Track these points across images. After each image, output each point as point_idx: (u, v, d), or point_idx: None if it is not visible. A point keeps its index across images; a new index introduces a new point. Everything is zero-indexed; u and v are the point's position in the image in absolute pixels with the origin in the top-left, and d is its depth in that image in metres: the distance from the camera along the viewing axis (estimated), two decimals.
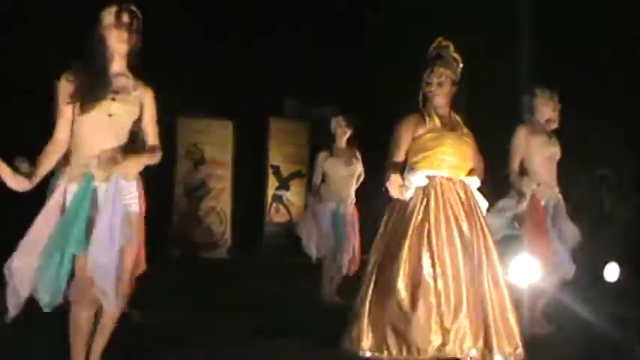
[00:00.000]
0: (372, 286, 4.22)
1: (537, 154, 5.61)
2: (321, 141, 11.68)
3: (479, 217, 4.32)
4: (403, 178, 4.19)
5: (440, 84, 4.41)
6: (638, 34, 9.28)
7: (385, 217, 4.39)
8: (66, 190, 3.60)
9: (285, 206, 11.55)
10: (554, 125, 5.73)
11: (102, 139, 3.62)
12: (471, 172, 4.48)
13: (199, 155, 10.84)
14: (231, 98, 10.40)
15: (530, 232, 5.48)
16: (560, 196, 5.75)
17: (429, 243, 4.13)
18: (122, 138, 3.74)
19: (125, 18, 3.71)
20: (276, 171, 11.49)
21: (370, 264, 4.33)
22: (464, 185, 4.38)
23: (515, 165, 5.59)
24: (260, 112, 11.14)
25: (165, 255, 10.13)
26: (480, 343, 4.04)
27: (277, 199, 11.49)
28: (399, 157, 4.39)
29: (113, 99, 3.65)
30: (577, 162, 10.81)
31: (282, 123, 11.65)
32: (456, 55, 4.50)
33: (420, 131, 4.37)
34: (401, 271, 4.09)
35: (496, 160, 5.40)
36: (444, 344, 3.96)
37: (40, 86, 4.26)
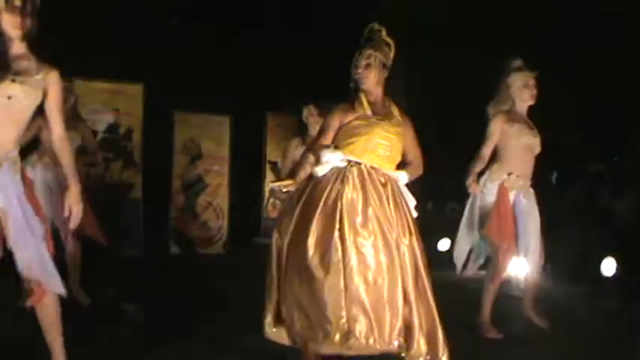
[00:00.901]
0: (279, 268, 4.11)
1: (514, 141, 5.34)
2: None
3: (405, 214, 4.09)
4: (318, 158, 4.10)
5: (367, 66, 4.20)
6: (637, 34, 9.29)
7: (295, 196, 4.16)
8: None
9: (283, 202, 11.54)
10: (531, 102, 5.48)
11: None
12: (399, 167, 4.29)
13: (196, 150, 10.81)
14: (229, 94, 10.39)
15: (494, 224, 5.28)
16: (532, 191, 5.49)
17: (341, 228, 3.88)
18: (21, 124, 3.56)
19: (17, 1, 3.48)
20: (274, 167, 11.47)
21: (275, 245, 4.19)
22: (389, 178, 4.13)
23: (486, 151, 5.37)
24: (257, 108, 11.13)
25: (164, 250, 10.13)
26: (394, 336, 3.86)
27: (274, 193, 11.47)
28: (322, 141, 4.20)
29: (13, 80, 3.44)
30: (573, 158, 10.87)
31: (280, 119, 11.62)
32: (388, 40, 4.30)
33: (349, 118, 4.16)
34: (310, 255, 3.87)
35: None
36: (350, 331, 3.77)
37: None
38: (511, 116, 5.41)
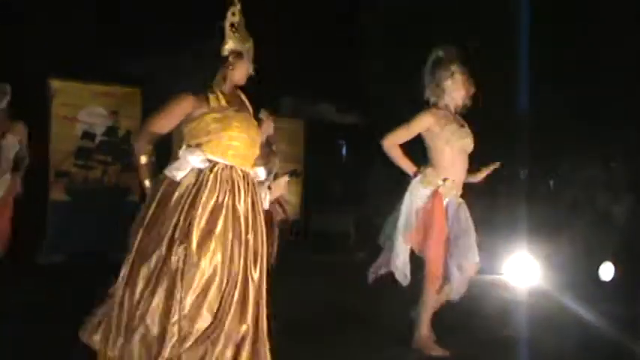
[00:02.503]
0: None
1: (447, 145, 4.88)
2: (316, 139, 11.75)
3: (258, 214, 3.82)
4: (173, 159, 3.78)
5: (239, 54, 3.95)
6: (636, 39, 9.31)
7: (148, 200, 3.79)
8: None
9: (281, 205, 11.52)
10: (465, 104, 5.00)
11: None
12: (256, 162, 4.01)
13: None
14: None
15: (421, 232, 4.85)
16: (462, 201, 5.03)
17: (189, 233, 3.55)
18: None
19: None
20: None
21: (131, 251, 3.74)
22: (247, 177, 3.83)
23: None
24: (255, 111, 11.14)
25: None
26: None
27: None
28: (157, 128, 3.94)
29: None
30: (570, 162, 10.89)
31: (277, 121, 11.60)
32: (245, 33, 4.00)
33: (202, 110, 3.80)
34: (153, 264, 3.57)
35: None
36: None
37: None
38: (440, 114, 4.96)
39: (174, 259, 3.53)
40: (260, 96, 11.21)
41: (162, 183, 3.76)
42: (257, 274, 3.70)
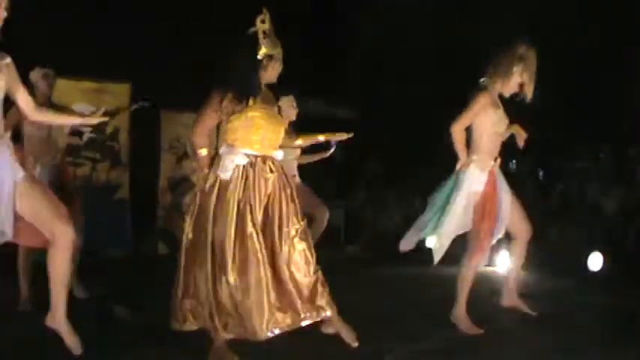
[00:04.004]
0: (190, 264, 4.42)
1: (493, 127, 5.20)
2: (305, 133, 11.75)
3: (290, 190, 4.47)
4: (218, 156, 4.42)
5: (271, 57, 4.47)
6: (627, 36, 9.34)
7: (199, 197, 4.48)
8: None
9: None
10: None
11: None
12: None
13: (182, 150, 10.79)
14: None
15: (483, 214, 5.17)
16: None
17: (253, 220, 4.24)
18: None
19: None
20: None
21: (187, 244, 4.46)
22: (273, 161, 4.46)
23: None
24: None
25: (152, 249, 10.10)
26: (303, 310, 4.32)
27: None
28: (208, 123, 4.56)
29: None
30: (559, 154, 10.93)
31: None
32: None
33: (240, 107, 4.38)
34: (229, 251, 4.21)
35: None
36: (276, 321, 4.22)
37: None
38: (494, 98, 5.22)
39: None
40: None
41: (215, 180, 4.38)
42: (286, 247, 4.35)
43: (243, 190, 4.29)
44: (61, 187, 5.94)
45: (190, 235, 4.45)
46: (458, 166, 5.24)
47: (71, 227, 3.96)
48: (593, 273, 8.07)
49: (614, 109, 10.35)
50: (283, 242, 4.34)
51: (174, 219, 10.66)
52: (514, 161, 11.02)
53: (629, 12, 9.69)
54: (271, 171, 4.39)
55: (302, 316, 4.33)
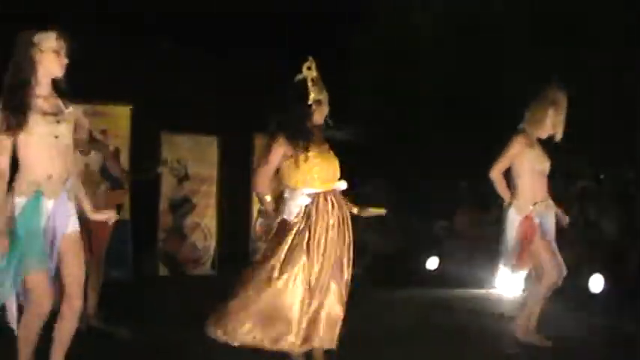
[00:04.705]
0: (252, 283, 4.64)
1: (532, 168, 5.48)
2: None
3: (347, 221, 4.73)
4: (283, 199, 4.72)
5: (319, 102, 4.76)
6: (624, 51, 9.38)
7: (272, 234, 4.78)
8: (14, 205, 3.73)
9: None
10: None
11: (52, 159, 3.80)
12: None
13: (183, 172, 10.81)
14: (217, 114, 10.42)
15: (530, 253, 5.41)
16: (555, 210, 5.64)
17: (308, 250, 4.53)
18: (69, 156, 3.92)
19: (61, 45, 3.85)
20: None
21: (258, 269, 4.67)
22: (334, 194, 4.73)
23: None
24: (245, 128, 11.14)
25: (152, 271, 10.09)
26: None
27: (262, 214, 11.44)
28: (268, 170, 4.74)
29: (57, 121, 3.82)
30: (559, 174, 10.93)
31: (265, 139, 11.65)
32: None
33: (294, 150, 4.65)
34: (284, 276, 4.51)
35: None
36: (306, 340, 4.51)
37: None
38: (530, 139, 5.50)
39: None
40: (250, 115, 11.28)
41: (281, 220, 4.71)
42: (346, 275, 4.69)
43: (306, 226, 4.58)
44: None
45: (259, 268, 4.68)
46: (504, 206, 5.52)
47: (82, 300, 3.99)
48: (594, 295, 8.05)
49: (616, 131, 10.36)
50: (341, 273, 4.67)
51: (175, 241, 10.67)
52: None
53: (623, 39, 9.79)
54: (332, 206, 4.66)
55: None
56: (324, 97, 4.79)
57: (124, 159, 9.97)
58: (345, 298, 4.65)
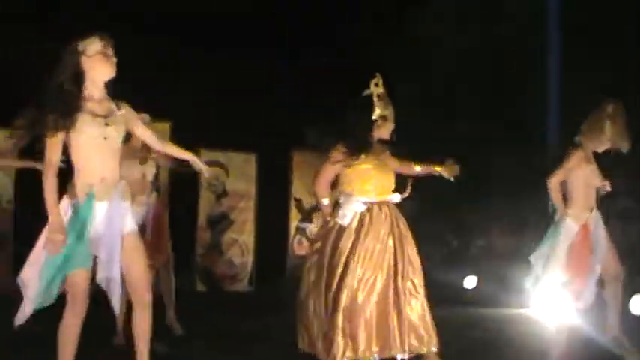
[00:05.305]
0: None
1: (588, 182, 5.52)
2: None
3: (402, 231, 4.94)
4: (338, 204, 4.93)
5: (385, 118, 4.99)
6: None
7: (321, 241, 5.01)
8: (68, 207, 3.83)
9: (308, 238, 11.57)
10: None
11: (105, 161, 3.93)
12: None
13: (221, 188, 10.89)
14: (254, 131, 10.47)
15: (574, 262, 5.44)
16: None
17: (363, 259, 4.72)
18: (118, 158, 4.03)
19: (111, 49, 4.01)
20: (299, 203, 11.51)
21: (310, 282, 4.96)
22: (389, 205, 4.98)
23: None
24: (283, 145, 11.19)
25: (190, 287, 10.15)
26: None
27: (300, 231, 11.49)
28: (327, 175, 5.05)
29: (106, 124, 3.92)
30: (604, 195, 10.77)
31: (305, 155, 11.69)
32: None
33: (354, 161, 4.91)
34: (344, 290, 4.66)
35: None
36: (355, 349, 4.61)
37: None
38: (587, 155, 5.54)
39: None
40: (288, 131, 11.31)
41: (334, 225, 4.93)
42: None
43: (358, 233, 4.79)
44: (156, 227, 6.32)
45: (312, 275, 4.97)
46: (556, 218, 5.54)
47: (150, 291, 4.08)
48: (636, 316, 7.92)
49: None
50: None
51: (213, 257, 10.73)
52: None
53: None
54: (386, 216, 4.89)
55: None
56: (389, 112, 5.01)
57: (164, 176, 10.06)
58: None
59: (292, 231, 11.44)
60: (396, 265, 4.78)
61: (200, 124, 9.79)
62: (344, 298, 4.62)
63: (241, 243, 10.96)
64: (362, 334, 4.61)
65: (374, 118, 4.98)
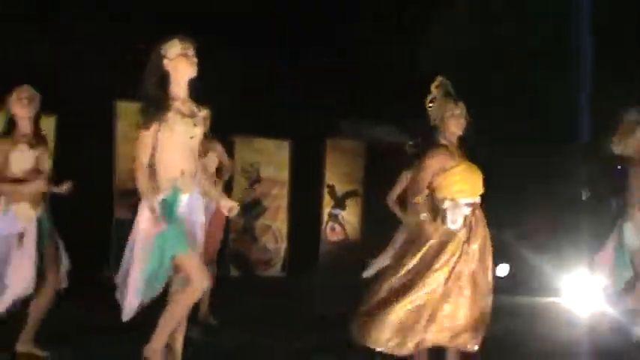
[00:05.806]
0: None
1: None
2: (376, 161, 11.78)
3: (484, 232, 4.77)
4: (444, 210, 4.65)
5: (459, 116, 4.78)
6: None
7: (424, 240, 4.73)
8: (156, 205, 3.96)
9: (341, 225, 11.61)
10: None
11: (185, 157, 4.10)
12: None
13: (255, 174, 10.97)
14: (289, 118, 10.50)
15: None
16: None
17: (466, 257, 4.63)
18: (196, 153, 4.22)
19: (188, 45, 4.20)
20: (331, 190, 11.55)
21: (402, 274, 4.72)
22: (478, 206, 4.80)
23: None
24: (317, 132, 11.22)
25: (223, 272, 10.24)
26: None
27: (333, 217, 11.54)
28: (424, 181, 4.74)
29: (195, 124, 4.15)
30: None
31: (339, 142, 11.72)
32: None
33: (451, 164, 4.69)
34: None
35: None
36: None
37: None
38: None
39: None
40: (322, 119, 11.31)
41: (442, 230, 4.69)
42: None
43: (468, 235, 4.66)
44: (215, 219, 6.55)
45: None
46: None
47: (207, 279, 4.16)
48: None
49: None
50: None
51: (246, 242, 10.82)
52: (587, 191, 10.84)
53: None
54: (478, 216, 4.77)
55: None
56: (460, 109, 4.81)
57: None
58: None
59: (325, 217, 11.50)
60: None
61: (234, 111, 9.84)
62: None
63: (275, 229, 11.04)
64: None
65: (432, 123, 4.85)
